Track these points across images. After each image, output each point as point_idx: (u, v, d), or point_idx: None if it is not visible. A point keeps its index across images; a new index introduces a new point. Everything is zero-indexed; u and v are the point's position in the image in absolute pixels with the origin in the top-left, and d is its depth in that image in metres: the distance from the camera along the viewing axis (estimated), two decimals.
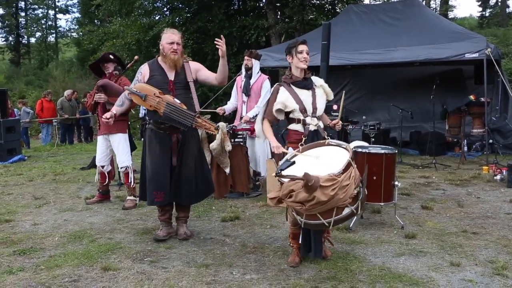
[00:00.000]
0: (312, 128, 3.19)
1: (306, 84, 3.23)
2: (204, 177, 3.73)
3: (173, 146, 3.58)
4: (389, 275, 2.93)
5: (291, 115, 3.23)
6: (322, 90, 3.31)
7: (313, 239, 3.13)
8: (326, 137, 3.16)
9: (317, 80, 3.35)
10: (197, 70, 3.68)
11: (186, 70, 3.62)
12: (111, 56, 4.84)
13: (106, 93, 4.60)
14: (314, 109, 3.21)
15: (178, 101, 3.47)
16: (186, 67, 3.62)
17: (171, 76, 3.59)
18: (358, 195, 2.78)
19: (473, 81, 8.27)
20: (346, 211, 2.77)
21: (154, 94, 3.45)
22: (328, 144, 3.00)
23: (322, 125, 3.28)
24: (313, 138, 3.16)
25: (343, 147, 2.93)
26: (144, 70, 3.65)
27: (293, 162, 2.86)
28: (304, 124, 3.20)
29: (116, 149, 4.82)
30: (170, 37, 3.56)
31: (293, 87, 3.22)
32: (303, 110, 3.19)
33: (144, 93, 3.46)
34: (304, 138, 3.16)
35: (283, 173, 2.71)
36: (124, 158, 4.81)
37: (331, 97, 3.37)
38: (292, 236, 3.25)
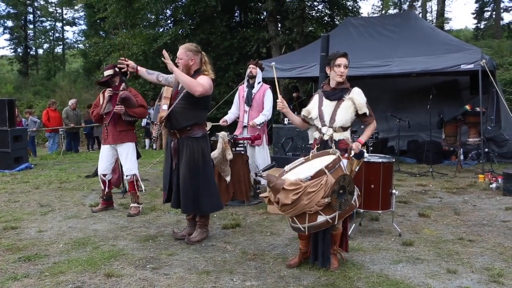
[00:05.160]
0: (325, 137, 3.23)
1: (334, 94, 3.25)
2: (206, 191, 3.75)
3: (172, 151, 3.79)
4: (387, 282, 2.98)
5: (313, 123, 3.34)
6: (351, 103, 3.18)
7: (321, 248, 3.15)
8: (332, 147, 3.17)
9: (353, 92, 3.23)
10: None
11: None
12: (116, 69, 4.84)
13: (124, 104, 4.76)
14: (332, 120, 3.21)
15: (165, 108, 3.67)
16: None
17: (179, 86, 3.77)
18: (332, 205, 2.80)
19: (468, 91, 8.39)
20: (320, 219, 2.84)
21: (165, 97, 3.75)
22: (333, 153, 3.05)
23: (341, 137, 3.19)
24: (325, 147, 3.22)
25: (336, 155, 3.00)
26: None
27: (274, 165, 3.27)
28: (320, 132, 3.28)
29: (124, 158, 4.90)
30: None
31: (323, 96, 3.31)
32: (322, 120, 3.26)
33: (165, 92, 3.78)
34: (316, 146, 3.25)
35: (263, 174, 2.88)
36: (132, 166, 4.93)
37: (362, 110, 3.18)
38: (299, 235, 3.29)
